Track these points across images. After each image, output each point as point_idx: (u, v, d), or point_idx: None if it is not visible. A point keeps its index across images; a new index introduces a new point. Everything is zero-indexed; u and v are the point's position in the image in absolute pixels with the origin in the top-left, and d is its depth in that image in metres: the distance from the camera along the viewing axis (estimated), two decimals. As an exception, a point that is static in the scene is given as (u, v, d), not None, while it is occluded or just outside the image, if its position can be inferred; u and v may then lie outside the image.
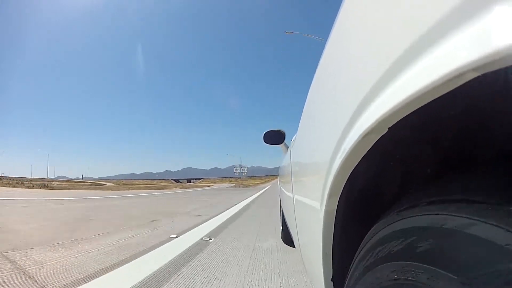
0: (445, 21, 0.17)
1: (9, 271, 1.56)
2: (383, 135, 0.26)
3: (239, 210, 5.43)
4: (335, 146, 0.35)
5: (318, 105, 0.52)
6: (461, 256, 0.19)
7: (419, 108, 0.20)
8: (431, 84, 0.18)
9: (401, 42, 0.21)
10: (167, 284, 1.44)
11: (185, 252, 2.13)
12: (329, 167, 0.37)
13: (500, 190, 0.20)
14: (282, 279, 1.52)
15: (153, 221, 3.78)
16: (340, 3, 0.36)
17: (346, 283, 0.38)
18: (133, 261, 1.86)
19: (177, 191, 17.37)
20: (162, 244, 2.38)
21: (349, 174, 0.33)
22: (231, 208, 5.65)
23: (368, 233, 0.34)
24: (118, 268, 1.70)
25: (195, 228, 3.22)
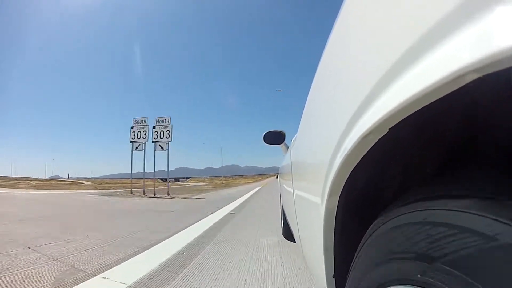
0: (446, 21, 0.17)
1: None
2: (383, 136, 0.26)
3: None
4: (335, 146, 0.35)
5: (319, 106, 0.52)
6: (461, 252, 0.19)
7: (420, 109, 0.20)
8: (432, 85, 0.18)
9: (402, 42, 0.21)
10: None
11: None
12: (329, 166, 0.37)
13: (501, 192, 0.20)
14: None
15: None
16: (341, 3, 0.36)
17: (348, 279, 0.38)
18: None
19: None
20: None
21: (349, 173, 0.33)
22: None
23: (369, 229, 0.34)
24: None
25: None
